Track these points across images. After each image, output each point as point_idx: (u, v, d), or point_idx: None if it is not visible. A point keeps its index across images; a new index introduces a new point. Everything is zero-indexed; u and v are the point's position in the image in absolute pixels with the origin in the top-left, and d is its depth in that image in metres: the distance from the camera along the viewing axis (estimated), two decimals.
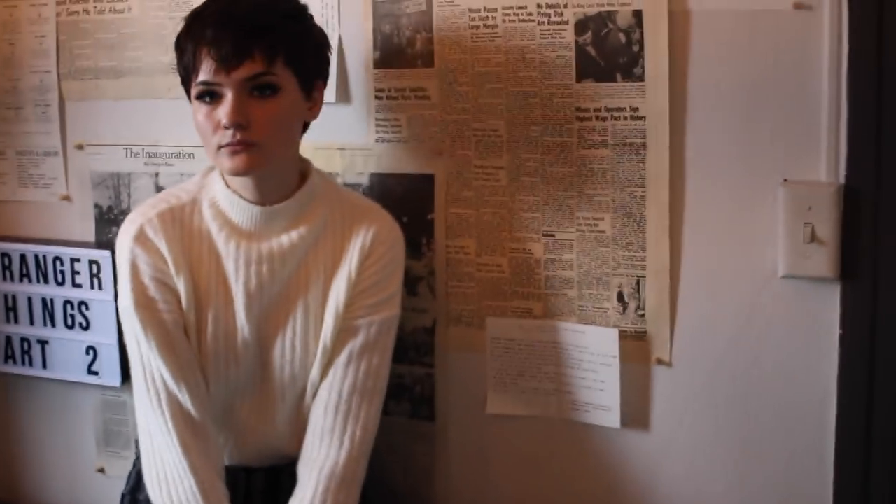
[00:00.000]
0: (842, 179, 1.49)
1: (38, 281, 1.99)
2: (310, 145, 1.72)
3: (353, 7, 1.73)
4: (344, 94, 1.75)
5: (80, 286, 1.97)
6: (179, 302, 1.52)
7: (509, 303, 1.70)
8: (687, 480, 1.63)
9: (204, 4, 1.50)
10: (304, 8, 1.55)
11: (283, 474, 1.60)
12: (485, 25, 1.64)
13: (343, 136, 1.77)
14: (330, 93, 1.72)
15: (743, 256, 1.55)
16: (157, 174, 1.91)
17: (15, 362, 2.03)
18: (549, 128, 1.63)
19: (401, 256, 1.63)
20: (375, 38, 1.72)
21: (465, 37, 1.66)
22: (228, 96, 1.43)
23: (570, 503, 1.71)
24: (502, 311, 1.71)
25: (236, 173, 1.47)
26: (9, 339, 2.04)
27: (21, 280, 2.00)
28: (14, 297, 2.02)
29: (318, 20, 1.65)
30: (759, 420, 1.58)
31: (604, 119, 1.60)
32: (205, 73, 1.44)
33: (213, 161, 1.49)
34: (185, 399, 1.50)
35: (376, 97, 1.74)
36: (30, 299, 2.00)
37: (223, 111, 1.43)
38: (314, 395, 1.57)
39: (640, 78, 1.56)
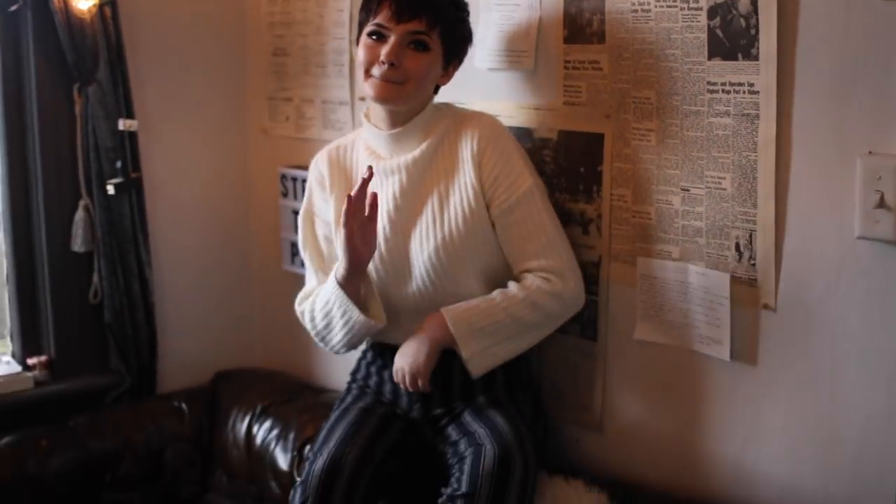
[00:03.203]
0: None
1: None
2: (513, 104, 2.59)
3: None
4: (542, 64, 2.56)
5: None
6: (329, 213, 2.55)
7: (654, 246, 2.41)
8: (786, 412, 2.25)
9: None
10: (466, 4, 2.45)
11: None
12: (642, 10, 2.35)
13: (539, 99, 2.57)
14: (530, 61, 2.57)
15: (834, 217, 2.11)
16: None
17: (303, 266, 3.10)
18: (687, 98, 2.30)
19: (509, 144, 2.44)
20: (565, 19, 2.50)
21: (627, 19, 2.37)
22: (391, 40, 2.36)
23: (687, 421, 2.40)
24: (649, 253, 2.42)
25: (377, 99, 2.41)
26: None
27: None
28: None
29: (525, 4, 2.52)
30: (845, 367, 2.14)
31: (727, 92, 2.23)
32: (381, 18, 2.38)
33: (363, 86, 2.43)
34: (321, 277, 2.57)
35: (564, 68, 2.52)
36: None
37: (385, 50, 2.36)
38: (473, 274, 2.44)
39: (756, 58, 2.18)
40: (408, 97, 2.41)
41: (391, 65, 2.36)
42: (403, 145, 2.47)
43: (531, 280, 2.40)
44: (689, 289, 2.36)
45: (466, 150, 2.42)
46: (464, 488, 2.27)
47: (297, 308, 2.65)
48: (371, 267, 2.48)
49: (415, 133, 2.46)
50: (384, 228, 2.47)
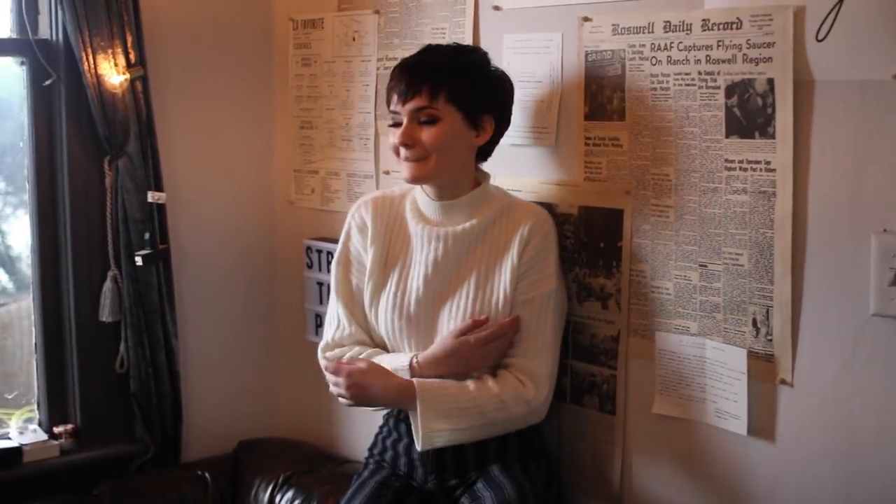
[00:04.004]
0: None
1: None
2: (535, 180, 2.65)
3: (572, 71, 2.57)
4: (563, 141, 2.62)
5: None
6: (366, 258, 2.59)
7: (673, 321, 2.44)
8: (803, 487, 2.25)
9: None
10: (481, 60, 2.50)
11: None
12: (661, 88, 2.41)
13: (560, 174, 2.63)
14: (551, 138, 2.63)
15: (849, 294, 2.15)
16: None
17: None
18: (705, 175, 2.35)
19: (551, 245, 2.51)
20: (586, 96, 2.56)
21: (647, 97, 2.43)
22: (404, 122, 2.44)
23: (706, 495, 2.42)
24: (667, 328, 2.45)
25: (408, 180, 2.49)
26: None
27: None
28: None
29: (546, 81, 2.58)
30: (862, 443, 2.16)
31: (745, 170, 2.28)
32: (394, 105, 2.47)
33: (400, 170, 2.50)
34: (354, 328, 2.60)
35: (585, 144, 2.58)
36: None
37: (399, 132, 2.44)
38: None
39: (773, 136, 2.23)
40: (436, 170, 2.46)
41: (406, 145, 2.45)
42: (451, 217, 2.53)
43: (509, 380, 2.45)
44: (706, 364, 2.40)
45: (517, 235, 2.48)
46: None
47: (324, 357, 2.64)
48: (396, 326, 2.54)
49: (463, 209, 2.52)
50: (417, 289, 2.52)
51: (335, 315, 2.64)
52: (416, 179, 2.49)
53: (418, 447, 2.43)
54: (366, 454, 2.73)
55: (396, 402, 2.47)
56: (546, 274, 2.48)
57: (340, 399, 2.50)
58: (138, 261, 3.12)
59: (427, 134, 2.44)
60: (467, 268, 2.51)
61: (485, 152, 2.57)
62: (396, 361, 2.49)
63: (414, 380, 2.43)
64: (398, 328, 2.54)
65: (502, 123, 2.55)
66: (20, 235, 3.31)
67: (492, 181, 2.59)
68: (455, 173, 2.51)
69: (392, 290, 2.56)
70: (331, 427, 3.38)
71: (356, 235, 2.64)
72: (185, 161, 3.32)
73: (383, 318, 2.56)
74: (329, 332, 2.65)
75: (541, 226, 2.49)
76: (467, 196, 2.52)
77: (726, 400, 2.36)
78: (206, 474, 3.26)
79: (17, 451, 3.09)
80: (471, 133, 2.48)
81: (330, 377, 2.51)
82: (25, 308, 3.29)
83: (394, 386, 2.45)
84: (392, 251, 2.59)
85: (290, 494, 3.07)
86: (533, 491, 2.43)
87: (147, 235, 3.14)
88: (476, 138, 2.50)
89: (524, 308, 2.47)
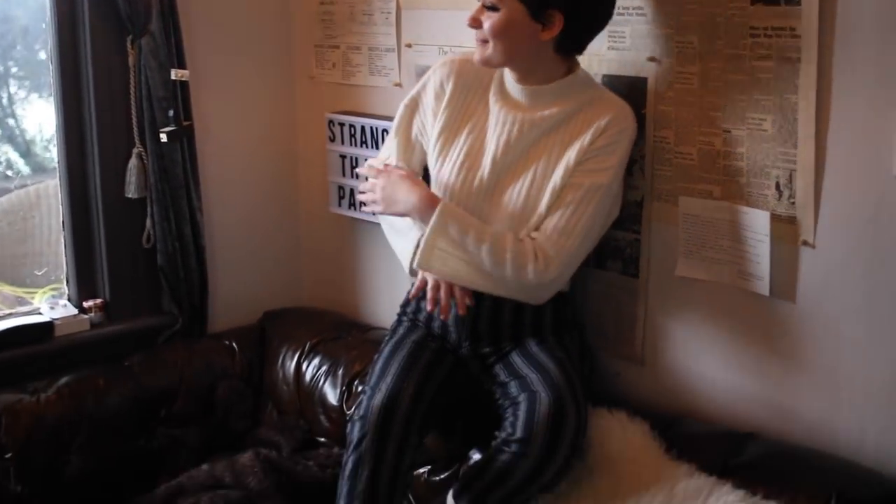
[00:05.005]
0: None
1: (373, 147, 3.15)
2: None
3: None
4: None
5: None
6: (432, 123, 2.63)
7: (696, 186, 2.50)
8: (822, 347, 2.34)
9: None
10: None
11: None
12: None
13: None
14: None
15: (872, 157, 2.19)
16: None
17: (354, 209, 3.22)
18: (730, 42, 2.37)
19: (624, 143, 2.48)
20: None
21: None
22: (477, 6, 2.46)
23: (725, 355, 2.51)
24: (691, 193, 2.50)
25: (476, 61, 2.50)
26: (351, 191, 3.25)
27: (361, 145, 3.20)
28: (356, 159, 3.22)
29: None
30: (882, 303, 2.23)
31: (769, 36, 2.31)
32: None
33: None
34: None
35: None
36: (366, 160, 3.16)
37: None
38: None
39: (798, 2, 2.24)
40: (495, 56, 2.47)
41: (472, 27, 2.47)
42: (534, 102, 2.53)
43: (526, 246, 2.45)
44: (729, 227, 2.45)
45: (594, 125, 2.46)
46: (519, 433, 2.38)
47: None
48: (455, 195, 2.55)
49: (546, 97, 2.52)
50: (483, 167, 2.54)
51: (389, 147, 2.74)
52: (479, 61, 2.51)
53: (415, 263, 2.50)
54: (398, 311, 2.79)
55: (417, 204, 2.53)
56: (605, 167, 2.47)
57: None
58: (163, 137, 3.15)
59: (488, 20, 2.44)
60: (536, 154, 2.52)
61: (571, 46, 2.52)
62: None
63: (442, 201, 2.50)
64: (457, 198, 2.55)
65: (577, 18, 2.45)
66: (34, 119, 3.36)
67: None
68: (521, 63, 2.51)
69: (459, 160, 2.57)
70: (355, 296, 3.46)
71: (430, 95, 2.66)
72: (206, 38, 3.32)
73: (444, 184, 2.58)
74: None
75: (620, 120, 2.48)
76: (553, 84, 2.51)
77: (749, 262, 2.42)
78: (234, 344, 3.35)
79: (48, 326, 3.16)
80: (535, 26, 2.43)
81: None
82: (45, 189, 3.34)
83: (420, 192, 2.54)
84: (466, 116, 2.61)
85: (316, 361, 3.17)
86: (573, 367, 2.50)
87: (171, 113, 3.15)
88: (542, 32, 2.44)
89: (570, 189, 2.46)
